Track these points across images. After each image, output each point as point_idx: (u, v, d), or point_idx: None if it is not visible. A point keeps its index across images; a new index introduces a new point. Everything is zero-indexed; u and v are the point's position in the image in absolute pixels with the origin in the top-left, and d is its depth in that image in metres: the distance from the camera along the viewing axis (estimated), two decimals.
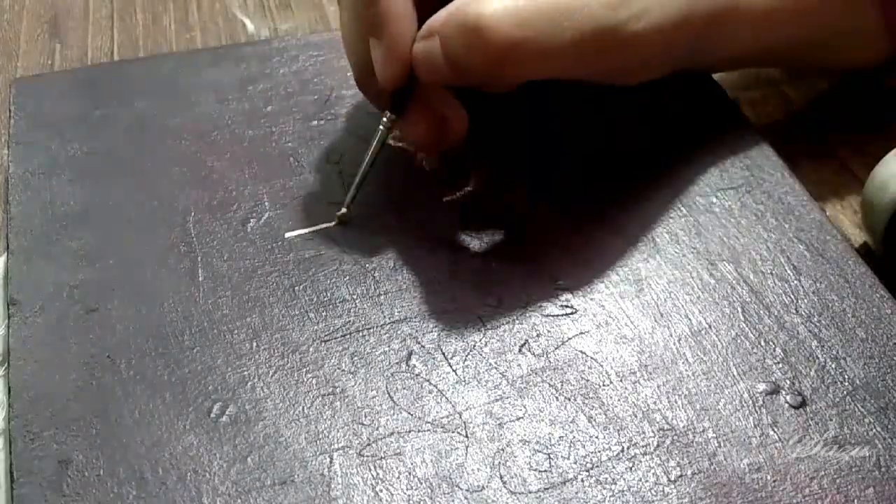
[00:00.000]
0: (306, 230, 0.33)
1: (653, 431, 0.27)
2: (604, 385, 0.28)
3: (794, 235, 0.33)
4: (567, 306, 0.31)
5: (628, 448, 0.27)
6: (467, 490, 0.26)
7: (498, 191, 0.35)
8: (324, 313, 0.30)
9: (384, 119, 0.33)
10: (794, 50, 0.37)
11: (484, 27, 0.29)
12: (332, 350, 0.29)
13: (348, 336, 0.30)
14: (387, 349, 0.29)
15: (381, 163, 0.36)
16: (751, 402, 0.28)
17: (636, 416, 0.28)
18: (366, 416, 0.28)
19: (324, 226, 0.33)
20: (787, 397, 0.28)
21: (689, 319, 0.30)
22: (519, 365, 0.29)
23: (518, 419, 0.28)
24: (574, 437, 0.27)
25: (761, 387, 0.28)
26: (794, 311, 0.30)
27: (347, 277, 0.32)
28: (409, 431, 0.27)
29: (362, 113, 0.38)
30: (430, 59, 0.31)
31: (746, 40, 0.35)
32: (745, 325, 0.30)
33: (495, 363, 0.29)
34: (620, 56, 0.32)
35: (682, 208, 0.34)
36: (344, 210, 0.33)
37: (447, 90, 0.33)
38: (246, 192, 0.35)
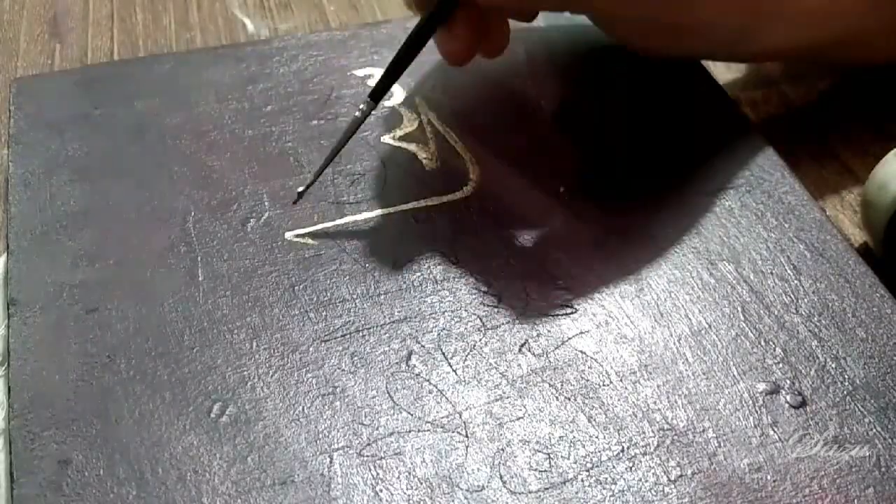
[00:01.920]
0: (306, 230, 0.33)
1: (653, 431, 0.27)
2: (604, 385, 0.28)
3: (794, 235, 0.33)
4: (567, 306, 0.31)
5: (628, 448, 0.27)
6: (467, 490, 0.26)
7: (498, 191, 0.35)
8: (324, 313, 0.30)
9: (362, 106, 0.33)
10: (827, 46, 0.37)
11: None
12: (332, 350, 0.29)
13: (348, 336, 0.30)
14: (387, 349, 0.29)
15: (382, 162, 0.36)
16: (751, 401, 0.28)
17: (636, 416, 0.28)
18: (366, 416, 0.28)
19: (324, 226, 0.33)
20: (787, 397, 0.28)
21: (689, 319, 0.30)
22: (519, 365, 0.29)
23: (518, 419, 0.28)
24: (574, 437, 0.27)
25: (761, 387, 0.28)
26: (794, 311, 0.30)
27: (347, 277, 0.32)
28: (409, 431, 0.27)
29: None
30: None
31: (796, 32, 0.36)
32: (745, 325, 0.30)
33: (495, 363, 0.29)
34: (681, 17, 0.34)
35: (682, 208, 0.34)
36: (301, 190, 0.33)
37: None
38: (246, 192, 0.35)
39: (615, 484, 0.26)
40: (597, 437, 0.27)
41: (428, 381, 0.29)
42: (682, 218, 0.34)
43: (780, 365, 0.29)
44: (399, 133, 0.37)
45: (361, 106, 0.33)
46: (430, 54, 0.35)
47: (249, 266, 0.32)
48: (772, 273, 0.32)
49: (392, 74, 0.34)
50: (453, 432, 0.27)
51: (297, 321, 0.30)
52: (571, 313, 0.31)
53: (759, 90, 0.42)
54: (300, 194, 0.33)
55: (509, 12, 0.36)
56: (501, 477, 0.26)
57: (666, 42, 0.36)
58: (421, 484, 0.26)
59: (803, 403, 0.28)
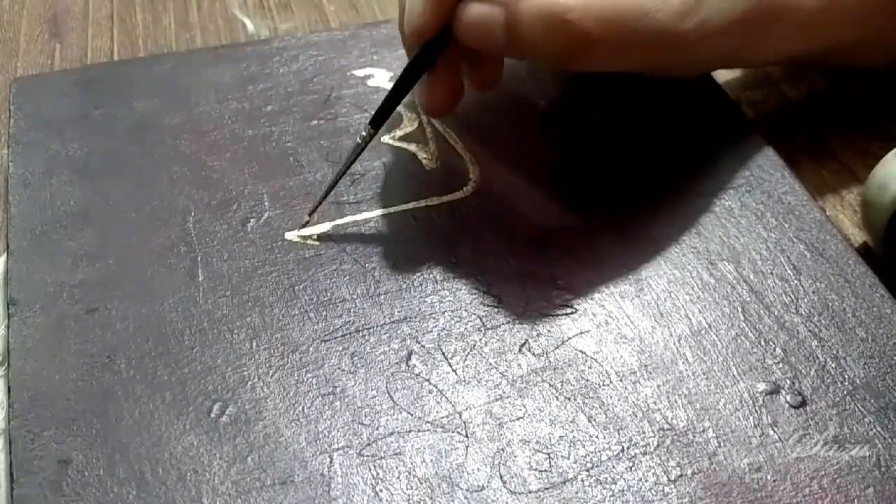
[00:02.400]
0: (306, 230, 0.33)
1: (653, 431, 0.27)
2: (604, 385, 0.28)
3: (794, 235, 0.33)
4: (567, 306, 0.31)
5: (628, 448, 0.27)
6: (467, 490, 0.26)
7: (498, 191, 0.35)
8: (324, 313, 0.30)
9: (363, 133, 0.33)
10: (832, 50, 0.37)
11: (571, 20, 0.29)
12: (332, 350, 0.29)
13: (348, 336, 0.30)
14: (387, 349, 0.29)
15: (382, 162, 0.36)
16: (751, 401, 0.28)
17: (636, 416, 0.28)
18: (366, 416, 0.28)
19: (324, 226, 0.33)
20: (787, 397, 0.28)
21: (689, 319, 0.30)
22: (519, 365, 0.29)
23: (518, 419, 0.28)
24: (574, 436, 0.27)
25: (761, 387, 0.28)
26: (794, 311, 0.30)
27: (347, 277, 0.32)
28: (409, 431, 0.27)
29: (362, 113, 0.38)
30: (487, 26, 0.30)
31: (791, 41, 0.35)
32: (745, 325, 0.30)
33: (495, 363, 0.29)
34: (681, 57, 0.33)
35: (682, 208, 0.34)
36: (307, 219, 0.33)
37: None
38: (246, 192, 0.35)
39: (615, 484, 0.26)
40: (597, 437, 0.27)
41: (428, 381, 0.29)
42: (682, 218, 0.34)
43: (780, 365, 0.29)
44: (399, 133, 0.37)
45: (363, 132, 0.33)
46: None
47: (249, 266, 0.32)
48: (772, 273, 0.32)
49: (391, 103, 0.33)
50: (453, 432, 0.27)
51: (297, 321, 0.30)
52: (571, 313, 0.31)
53: (759, 90, 0.42)
54: (307, 223, 0.33)
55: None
56: (501, 477, 0.26)
57: (665, 74, 0.37)
58: (421, 484, 0.26)
59: (803, 403, 0.28)
